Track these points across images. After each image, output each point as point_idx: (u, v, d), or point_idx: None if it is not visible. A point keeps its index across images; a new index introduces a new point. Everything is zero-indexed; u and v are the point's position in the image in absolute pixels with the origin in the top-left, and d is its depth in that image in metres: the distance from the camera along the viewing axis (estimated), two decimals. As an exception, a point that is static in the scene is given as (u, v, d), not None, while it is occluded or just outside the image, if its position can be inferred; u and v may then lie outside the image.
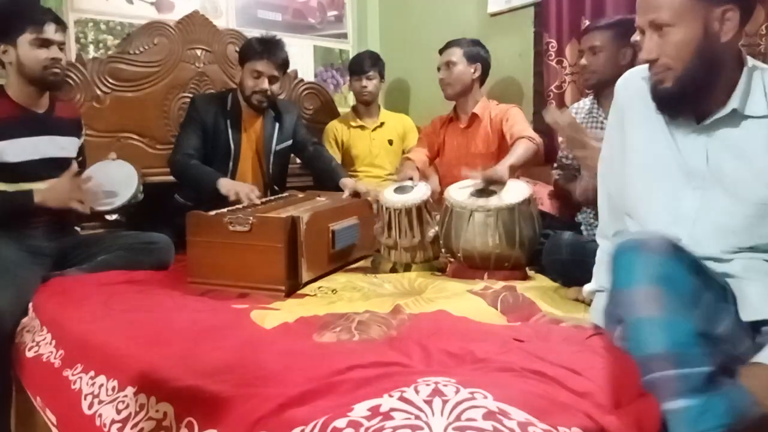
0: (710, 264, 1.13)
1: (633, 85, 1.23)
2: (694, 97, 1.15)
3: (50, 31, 1.90)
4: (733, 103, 1.11)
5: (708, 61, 1.10)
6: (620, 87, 1.33)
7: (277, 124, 2.54)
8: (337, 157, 2.93)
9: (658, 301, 0.94)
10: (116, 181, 2.06)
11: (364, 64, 2.92)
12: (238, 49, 2.79)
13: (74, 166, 2.00)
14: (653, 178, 1.22)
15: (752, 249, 1.11)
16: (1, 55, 1.90)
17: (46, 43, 1.90)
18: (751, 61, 1.14)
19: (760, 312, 1.06)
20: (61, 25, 1.95)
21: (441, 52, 2.59)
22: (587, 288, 1.40)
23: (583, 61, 2.02)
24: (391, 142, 3.00)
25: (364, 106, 2.99)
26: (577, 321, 1.39)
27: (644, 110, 1.21)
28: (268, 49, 2.40)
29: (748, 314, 1.07)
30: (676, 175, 1.18)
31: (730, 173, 1.12)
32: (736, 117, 1.11)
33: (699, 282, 1.01)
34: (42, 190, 1.90)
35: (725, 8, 1.07)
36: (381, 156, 2.98)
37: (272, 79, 2.41)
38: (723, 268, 1.13)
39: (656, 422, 0.92)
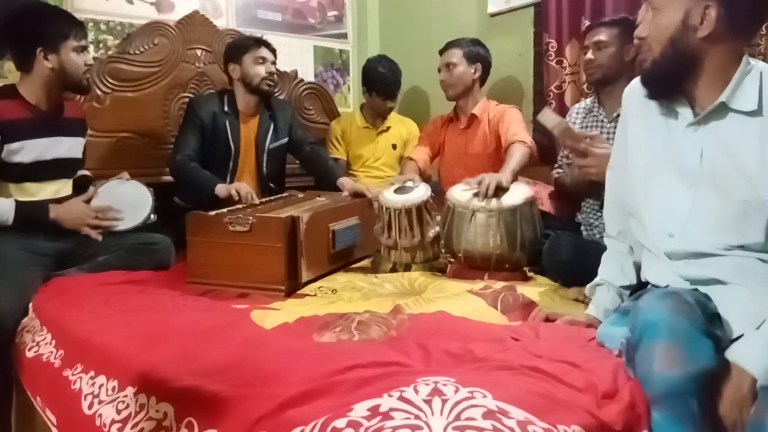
0: (700, 265, 1.13)
1: (638, 91, 1.25)
2: (667, 82, 1.17)
3: (85, 37, 1.98)
4: (723, 96, 1.12)
5: (680, 51, 1.12)
6: (626, 94, 1.35)
7: (272, 123, 2.54)
8: (341, 154, 2.93)
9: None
10: (130, 204, 2.09)
11: (395, 88, 2.90)
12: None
13: (91, 190, 2.04)
14: (651, 177, 1.23)
15: (744, 248, 1.11)
16: (41, 60, 1.89)
17: (84, 50, 1.96)
18: (753, 61, 1.14)
19: (737, 328, 1.06)
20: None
21: (441, 53, 2.58)
22: (590, 284, 1.40)
23: (589, 55, 2.02)
24: (394, 147, 3.00)
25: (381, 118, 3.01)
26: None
27: (645, 112, 1.23)
28: (259, 40, 2.48)
29: (728, 331, 1.07)
30: (672, 173, 1.19)
31: (720, 170, 1.13)
32: (724, 110, 1.12)
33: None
34: (58, 208, 1.92)
35: (707, 4, 1.09)
36: (383, 159, 2.98)
37: (273, 65, 2.46)
38: (713, 272, 1.12)
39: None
